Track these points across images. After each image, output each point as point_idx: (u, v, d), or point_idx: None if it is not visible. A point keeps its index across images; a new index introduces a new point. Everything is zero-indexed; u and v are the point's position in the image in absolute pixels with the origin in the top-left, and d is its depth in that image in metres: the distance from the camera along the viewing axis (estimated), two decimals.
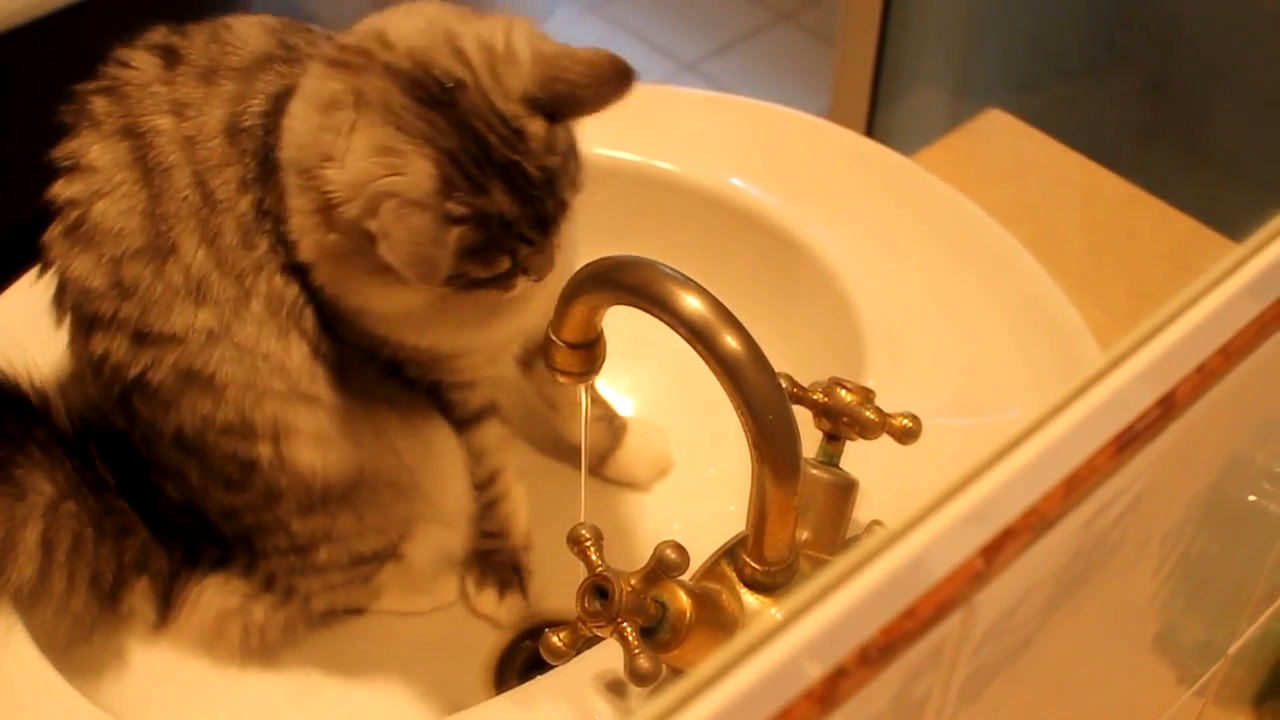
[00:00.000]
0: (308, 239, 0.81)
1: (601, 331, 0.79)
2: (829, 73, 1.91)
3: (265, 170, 0.84)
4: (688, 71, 2.49)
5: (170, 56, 0.88)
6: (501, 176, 0.77)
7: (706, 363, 0.71)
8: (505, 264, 0.80)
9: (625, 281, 0.75)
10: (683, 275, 0.73)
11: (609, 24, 2.60)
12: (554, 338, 0.78)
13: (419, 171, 0.76)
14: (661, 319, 0.72)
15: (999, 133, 1.44)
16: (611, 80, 0.79)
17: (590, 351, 0.79)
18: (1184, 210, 1.33)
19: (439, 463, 0.94)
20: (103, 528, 0.91)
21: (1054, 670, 0.71)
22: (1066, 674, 0.75)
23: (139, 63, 0.88)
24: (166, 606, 0.94)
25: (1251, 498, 0.87)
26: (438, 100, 0.78)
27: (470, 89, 0.78)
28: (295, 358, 0.86)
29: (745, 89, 2.45)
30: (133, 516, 0.93)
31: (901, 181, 1.13)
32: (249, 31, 0.89)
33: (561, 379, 0.80)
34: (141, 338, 0.86)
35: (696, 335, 0.71)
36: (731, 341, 0.70)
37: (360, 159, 0.77)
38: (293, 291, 0.85)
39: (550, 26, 1.03)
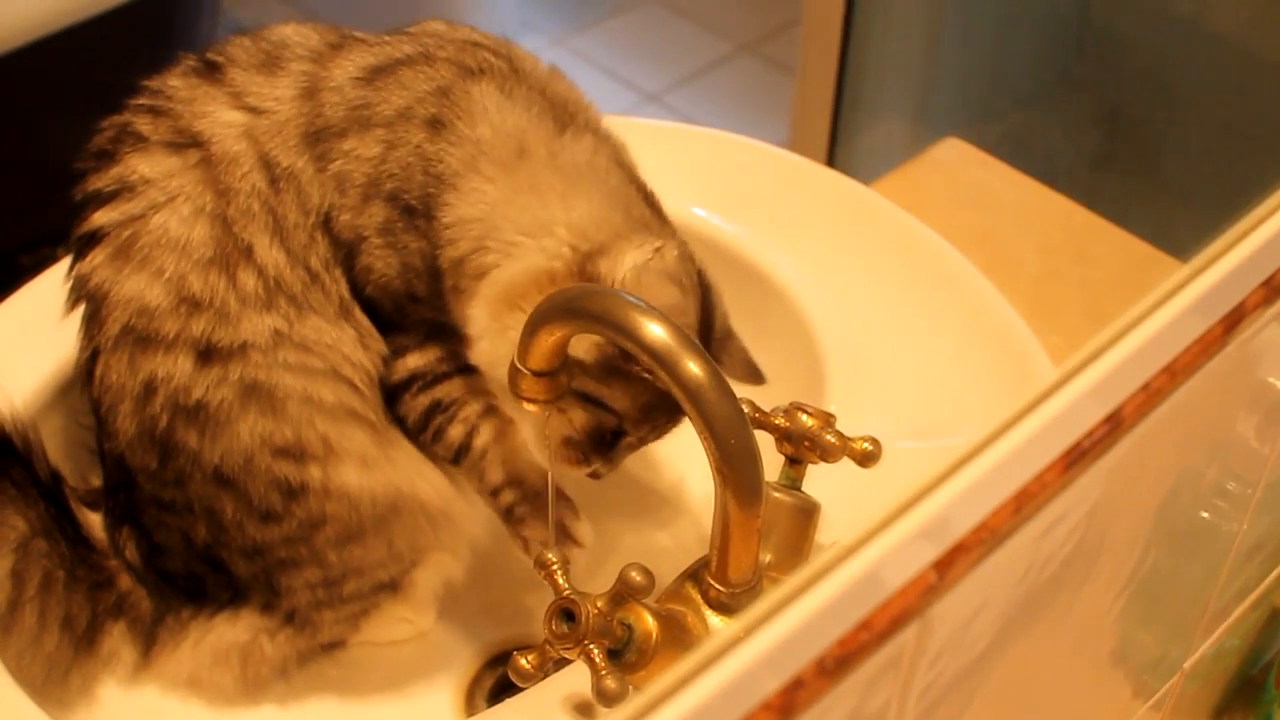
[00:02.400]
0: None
1: (567, 359, 0.81)
2: (790, 103, 1.93)
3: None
4: (651, 103, 2.51)
5: (210, 66, 0.86)
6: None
7: (669, 388, 0.72)
8: None
9: (589, 310, 0.76)
10: (646, 303, 0.75)
11: (573, 56, 2.61)
12: (519, 366, 0.80)
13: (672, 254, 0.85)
14: (625, 346, 0.74)
15: (956, 161, 1.45)
16: None
17: (555, 379, 0.81)
18: (1137, 235, 1.34)
19: (461, 485, 0.93)
20: (75, 574, 0.89)
21: (1012, 682, 0.72)
22: (1025, 686, 0.76)
23: (176, 82, 0.86)
24: (149, 647, 0.91)
25: (1204, 514, 0.89)
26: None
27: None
28: (349, 343, 0.85)
29: (707, 120, 2.47)
30: (110, 570, 0.91)
31: (861, 209, 1.14)
32: (298, 32, 0.88)
33: (527, 406, 0.82)
34: (208, 355, 0.83)
35: (659, 361, 0.72)
36: (694, 367, 0.72)
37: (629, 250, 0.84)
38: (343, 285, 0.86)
39: None
